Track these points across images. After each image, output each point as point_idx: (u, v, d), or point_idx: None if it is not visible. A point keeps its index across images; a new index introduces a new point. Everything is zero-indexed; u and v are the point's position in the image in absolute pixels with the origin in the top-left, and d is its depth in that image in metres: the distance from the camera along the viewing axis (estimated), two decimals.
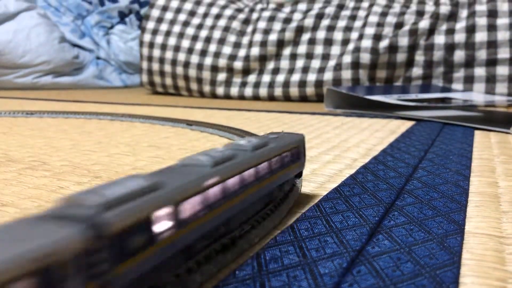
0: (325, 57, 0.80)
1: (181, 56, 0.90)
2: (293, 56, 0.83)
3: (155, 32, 0.93)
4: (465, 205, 0.20)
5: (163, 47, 0.92)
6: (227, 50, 0.87)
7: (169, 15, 0.93)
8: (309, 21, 0.83)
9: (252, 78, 0.85)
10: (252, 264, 0.14)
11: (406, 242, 0.15)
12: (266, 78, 0.84)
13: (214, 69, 0.87)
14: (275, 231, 0.17)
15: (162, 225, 0.11)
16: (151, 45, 0.93)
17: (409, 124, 0.47)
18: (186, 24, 0.92)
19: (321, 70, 0.79)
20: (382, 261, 0.14)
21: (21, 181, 0.24)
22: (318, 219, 0.18)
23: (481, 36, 0.72)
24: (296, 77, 0.81)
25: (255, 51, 0.84)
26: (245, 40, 0.86)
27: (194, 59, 0.88)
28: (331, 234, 0.16)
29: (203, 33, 0.89)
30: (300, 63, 0.82)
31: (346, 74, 0.77)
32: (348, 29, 0.80)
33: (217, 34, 0.88)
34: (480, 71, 0.72)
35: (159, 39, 0.92)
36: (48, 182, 0.24)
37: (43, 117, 0.54)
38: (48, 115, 0.54)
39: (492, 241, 0.16)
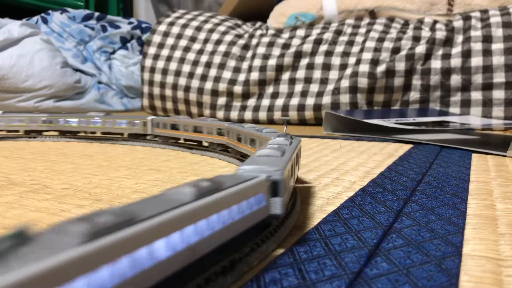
0: (323, 81, 0.82)
1: (182, 81, 0.91)
2: (292, 81, 0.84)
3: (156, 57, 0.94)
4: (462, 227, 0.20)
5: (164, 71, 0.93)
6: (227, 74, 0.88)
7: (170, 41, 0.95)
8: (307, 47, 0.84)
9: (251, 102, 0.86)
10: (252, 287, 0.14)
11: (404, 264, 0.15)
12: (265, 102, 0.85)
13: (214, 93, 0.88)
14: (275, 254, 0.17)
15: None
16: (152, 69, 0.94)
17: (407, 147, 0.47)
18: (187, 49, 0.93)
19: (320, 94, 0.80)
20: (380, 283, 0.14)
21: (23, 204, 0.25)
22: (317, 242, 0.18)
23: (476, 61, 0.73)
24: (295, 101, 0.82)
25: (255, 75, 0.86)
26: (245, 65, 0.88)
27: (195, 83, 0.90)
28: (330, 256, 0.16)
29: (204, 58, 0.91)
30: (298, 87, 0.83)
31: (344, 98, 0.78)
32: (345, 54, 0.82)
33: (217, 59, 0.90)
34: (476, 95, 0.73)
35: (160, 64, 0.94)
36: (49, 205, 0.24)
37: (44, 141, 0.54)
38: (49, 139, 0.55)
39: (489, 264, 0.16)
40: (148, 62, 0.95)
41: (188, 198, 0.12)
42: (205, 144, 0.45)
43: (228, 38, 0.93)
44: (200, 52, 0.92)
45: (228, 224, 0.14)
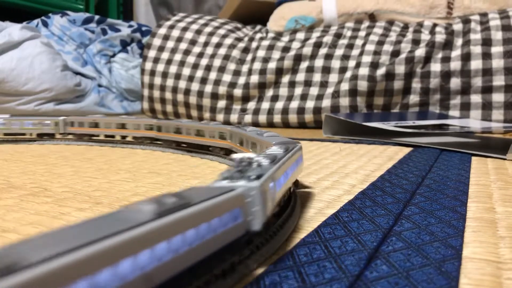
0: (323, 84, 0.82)
1: (182, 84, 0.91)
2: (292, 84, 0.84)
3: (156, 60, 0.94)
4: (462, 230, 0.20)
5: (164, 75, 0.93)
6: (227, 78, 0.88)
7: (170, 44, 0.95)
8: (307, 50, 0.84)
9: (251, 105, 0.86)
10: None
11: (404, 267, 0.15)
12: (265, 105, 0.85)
13: (214, 96, 0.88)
14: (274, 257, 0.17)
15: None
16: (152, 73, 0.94)
17: (406, 150, 0.47)
18: (187, 52, 0.93)
19: (319, 97, 0.81)
20: (380, 286, 0.14)
21: (23, 207, 0.25)
22: (317, 245, 0.18)
23: (476, 64, 0.73)
24: (294, 104, 0.82)
25: (255, 78, 0.86)
26: (245, 68, 0.88)
27: (195, 86, 0.90)
28: (330, 259, 0.16)
29: (204, 61, 0.91)
30: (298, 90, 0.83)
31: (344, 101, 0.78)
32: (345, 57, 0.82)
33: (217, 62, 0.90)
34: (476, 98, 0.73)
35: (160, 67, 0.94)
36: (49, 209, 0.24)
37: (44, 144, 0.54)
38: (49, 142, 0.55)
39: (489, 266, 0.16)
40: (148, 65, 0.95)
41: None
42: (129, 139, 0.53)
43: (228, 41, 0.93)
44: (200, 55, 0.92)
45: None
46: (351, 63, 0.81)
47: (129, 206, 0.11)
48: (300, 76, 0.84)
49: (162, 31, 0.97)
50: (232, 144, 0.39)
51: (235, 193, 0.13)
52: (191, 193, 0.12)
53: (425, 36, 0.80)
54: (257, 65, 0.87)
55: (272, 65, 0.85)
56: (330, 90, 0.80)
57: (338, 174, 0.34)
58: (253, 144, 0.33)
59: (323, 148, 0.49)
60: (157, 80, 0.94)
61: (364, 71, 0.78)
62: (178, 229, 0.10)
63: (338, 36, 0.86)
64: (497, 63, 0.72)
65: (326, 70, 0.82)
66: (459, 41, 0.77)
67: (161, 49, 0.95)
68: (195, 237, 0.11)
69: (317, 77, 0.83)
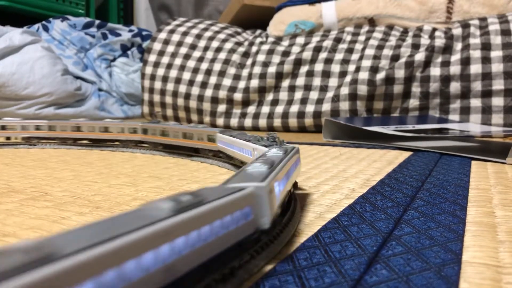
0: (323, 89, 0.82)
1: (182, 88, 0.91)
2: (292, 88, 0.84)
3: (156, 64, 0.95)
4: (462, 234, 0.20)
5: (165, 79, 0.93)
6: (227, 82, 0.88)
7: (170, 48, 0.95)
8: (307, 54, 0.85)
9: (251, 109, 0.86)
10: None
11: (403, 272, 0.15)
12: (265, 109, 0.85)
13: (215, 100, 0.88)
14: (274, 261, 0.17)
15: None
16: (153, 77, 0.95)
17: (406, 154, 0.47)
18: (187, 57, 0.94)
19: (319, 101, 0.81)
20: None
21: (23, 212, 0.25)
22: (317, 249, 0.18)
23: (475, 68, 0.74)
24: (294, 108, 0.82)
25: (255, 83, 0.86)
26: (245, 72, 0.88)
27: (195, 90, 0.90)
28: (330, 263, 0.16)
29: (204, 66, 0.91)
30: (298, 94, 0.83)
31: (344, 105, 0.78)
32: (345, 61, 0.82)
33: (217, 66, 0.90)
34: (476, 102, 0.73)
35: (160, 71, 0.94)
36: (49, 213, 0.24)
37: (45, 148, 0.54)
38: (50, 146, 0.55)
39: (489, 271, 0.16)
40: (149, 70, 0.95)
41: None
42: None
43: (228, 45, 0.93)
44: (200, 59, 0.92)
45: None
46: (351, 68, 0.81)
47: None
48: (300, 81, 0.84)
49: (163, 35, 0.98)
50: (147, 136, 0.47)
51: (296, 150, 0.26)
52: (288, 148, 0.26)
53: (424, 40, 0.80)
54: (257, 70, 0.87)
55: (272, 69, 0.86)
56: (330, 94, 0.81)
57: (338, 178, 0.34)
58: (188, 134, 0.40)
59: (323, 152, 0.49)
60: (157, 85, 0.94)
61: (364, 75, 0.78)
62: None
63: (337, 40, 0.86)
64: (497, 67, 0.72)
65: (326, 74, 0.82)
66: (458, 46, 0.77)
67: (161, 53, 0.95)
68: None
69: (317, 81, 0.83)
